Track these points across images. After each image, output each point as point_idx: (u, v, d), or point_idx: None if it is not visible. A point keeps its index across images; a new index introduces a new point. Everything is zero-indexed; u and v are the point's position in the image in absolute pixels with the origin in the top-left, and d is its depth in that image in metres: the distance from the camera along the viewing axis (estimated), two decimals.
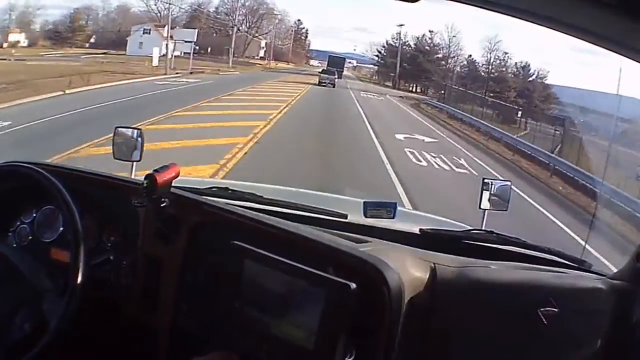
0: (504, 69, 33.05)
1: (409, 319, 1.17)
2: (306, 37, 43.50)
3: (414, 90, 37.76)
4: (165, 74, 21.66)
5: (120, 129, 1.95)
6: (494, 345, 1.25)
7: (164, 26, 29.84)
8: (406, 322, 1.16)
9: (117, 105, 13.25)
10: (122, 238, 1.42)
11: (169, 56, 23.81)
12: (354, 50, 43.85)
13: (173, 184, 1.31)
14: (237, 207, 1.40)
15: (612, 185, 10.09)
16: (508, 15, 0.96)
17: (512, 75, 32.41)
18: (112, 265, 1.41)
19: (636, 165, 11.16)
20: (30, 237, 1.45)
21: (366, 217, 1.63)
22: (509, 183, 2.00)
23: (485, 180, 1.91)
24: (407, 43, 38.72)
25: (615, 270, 1.46)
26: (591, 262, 1.56)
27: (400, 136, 14.63)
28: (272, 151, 9.70)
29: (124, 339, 1.42)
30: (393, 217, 1.63)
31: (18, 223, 1.47)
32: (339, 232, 1.42)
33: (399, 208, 1.66)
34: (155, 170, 1.25)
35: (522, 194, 9.39)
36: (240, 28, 36.60)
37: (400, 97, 30.97)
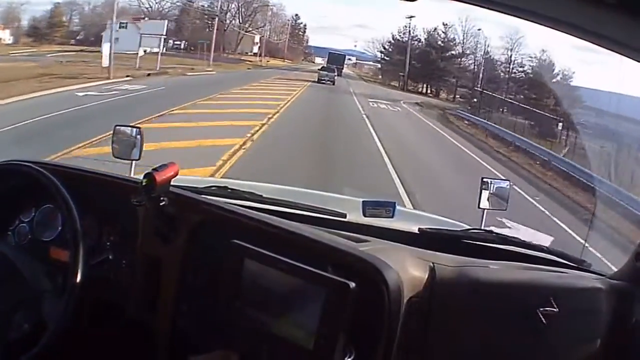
0: (536, 71, 28.02)
1: (408, 318, 1.17)
2: (304, 32, 40.59)
3: (424, 91, 33.55)
4: (108, 79, 17.30)
5: (119, 127, 1.95)
6: (493, 344, 1.25)
7: (143, 18, 27.80)
8: (405, 322, 1.16)
9: None
10: (122, 237, 1.42)
11: (129, 55, 20.59)
12: (355, 46, 40.91)
13: (172, 183, 1.31)
14: (236, 206, 1.40)
15: (613, 184, 10.05)
16: (508, 15, 0.96)
17: (553, 80, 27.03)
18: (112, 264, 1.41)
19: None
20: (29, 236, 1.45)
21: (365, 216, 1.63)
22: (508, 182, 2.00)
23: (484, 180, 1.91)
24: (416, 37, 33.85)
25: (614, 269, 1.46)
26: (591, 261, 1.56)
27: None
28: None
29: (123, 338, 1.42)
30: (392, 217, 1.63)
31: (17, 222, 1.47)
32: (338, 231, 1.42)
33: (398, 207, 1.66)
34: (154, 169, 1.25)
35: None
36: (232, 22, 34.62)
37: (417, 104, 26.42)
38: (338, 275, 1.05)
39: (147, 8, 30.52)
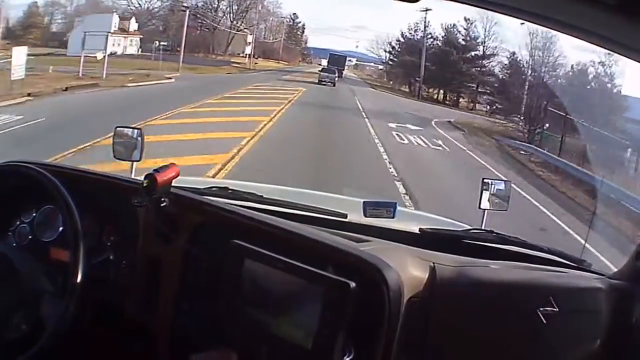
0: (572, 76, 21.89)
1: (408, 318, 1.17)
2: (302, 32, 37.06)
3: (440, 98, 28.22)
4: None
5: (120, 128, 1.95)
6: (494, 344, 1.26)
7: (129, 19, 25.40)
8: (405, 321, 1.16)
9: None
10: (122, 238, 1.42)
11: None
12: (356, 47, 37.48)
13: (173, 184, 1.31)
14: (237, 207, 1.40)
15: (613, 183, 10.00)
16: (509, 15, 0.96)
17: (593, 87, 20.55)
18: (112, 265, 1.41)
19: None
20: (30, 237, 1.45)
21: (366, 216, 1.63)
22: (509, 182, 2.00)
23: (485, 180, 1.91)
24: (431, 35, 28.39)
25: (614, 269, 1.46)
26: (591, 261, 1.56)
27: None
28: None
29: (124, 338, 1.42)
30: (393, 217, 1.63)
31: (18, 222, 1.47)
32: (338, 231, 1.42)
33: (398, 208, 1.66)
34: (155, 170, 1.25)
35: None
36: (223, 20, 30.88)
37: (452, 124, 19.83)
38: (338, 275, 1.05)
39: (135, 7, 28.26)
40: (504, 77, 26.70)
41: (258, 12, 32.61)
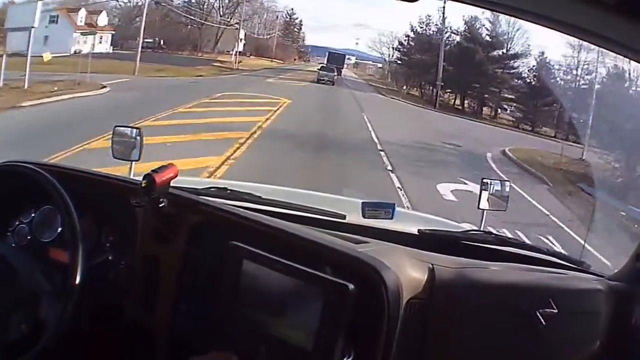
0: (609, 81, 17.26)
1: (407, 319, 1.17)
2: (300, 29, 34.33)
3: (458, 105, 23.59)
4: None
5: (119, 128, 1.95)
6: (493, 345, 1.25)
7: (99, 12, 22.63)
8: (404, 323, 1.16)
9: None
10: (121, 238, 1.42)
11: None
12: (356, 44, 35.71)
13: (171, 184, 1.31)
14: (235, 208, 1.40)
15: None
16: (509, 15, 0.96)
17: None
18: (111, 265, 1.40)
19: None
20: (28, 237, 1.45)
21: (364, 217, 1.63)
22: (508, 183, 2.00)
23: (484, 181, 1.90)
24: (450, 29, 23.79)
25: (614, 271, 1.46)
26: (590, 262, 1.56)
27: None
28: None
29: (122, 339, 1.42)
30: (391, 218, 1.63)
31: (17, 223, 1.47)
32: (337, 232, 1.42)
33: (397, 209, 1.66)
34: (154, 171, 1.25)
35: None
36: (211, 14, 27.78)
37: (510, 159, 13.51)
38: (337, 276, 1.05)
39: (124, 3, 25.75)
40: (534, 81, 22.10)
41: (254, 9, 29.85)
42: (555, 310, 1.25)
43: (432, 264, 1.27)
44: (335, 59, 29.67)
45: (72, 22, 21.27)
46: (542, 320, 1.24)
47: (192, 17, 26.99)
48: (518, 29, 22.51)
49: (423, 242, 1.50)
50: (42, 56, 14.92)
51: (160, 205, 1.30)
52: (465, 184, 9.00)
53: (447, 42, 23.69)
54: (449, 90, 24.08)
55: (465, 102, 24.10)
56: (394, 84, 28.32)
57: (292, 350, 1.04)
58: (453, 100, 24.13)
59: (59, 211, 1.39)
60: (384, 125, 14.77)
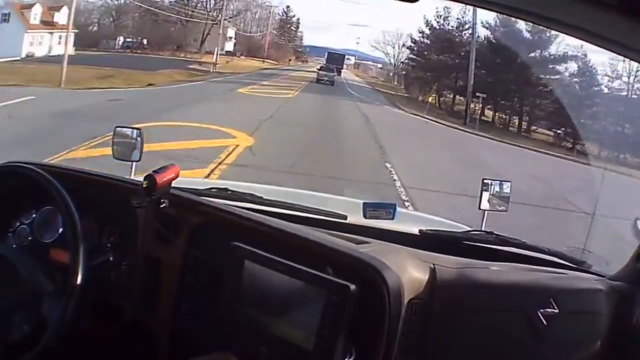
0: None
1: (408, 319, 1.17)
2: (297, 28, 31.20)
3: (486, 117, 17.75)
4: None
5: (119, 128, 1.95)
6: (494, 345, 1.25)
7: (59, 8, 18.22)
8: (406, 323, 1.16)
9: None
10: (122, 239, 1.42)
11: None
12: (357, 43, 33.28)
13: (172, 185, 1.31)
14: (236, 208, 1.40)
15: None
16: (509, 15, 0.96)
17: None
18: (112, 266, 1.40)
19: None
20: (29, 238, 1.45)
21: (366, 218, 1.63)
22: (509, 183, 1.99)
23: (485, 181, 1.90)
24: (483, 22, 18.33)
25: (615, 271, 1.46)
26: (591, 262, 1.56)
27: None
28: None
29: (123, 339, 1.42)
30: (392, 218, 1.63)
31: (18, 223, 1.47)
32: (338, 233, 1.42)
33: (398, 209, 1.66)
34: (155, 171, 1.25)
35: None
36: (197, 9, 24.23)
37: None
38: (338, 277, 1.05)
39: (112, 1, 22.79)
40: (580, 90, 16.67)
41: (246, 4, 26.12)
42: (556, 310, 1.25)
43: (433, 264, 1.27)
44: (335, 59, 29.11)
45: (24, 20, 17.05)
46: (543, 320, 1.24)
47: (168, 13, 23.83)
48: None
49: (424, 242, 1.50)
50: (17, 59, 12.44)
51: (161, 206, 1.30)
52: None
53: (470, 39, 18.62)
54: (474, 100, 18.40)
55: (497, 114, 18.15)
56: (400, 85, 24.82)
57: (293, 350, 1.04)
58: (479, 112, 18.13)
59: (59, 212, 1.39)
60: (439, 200, 7.52)
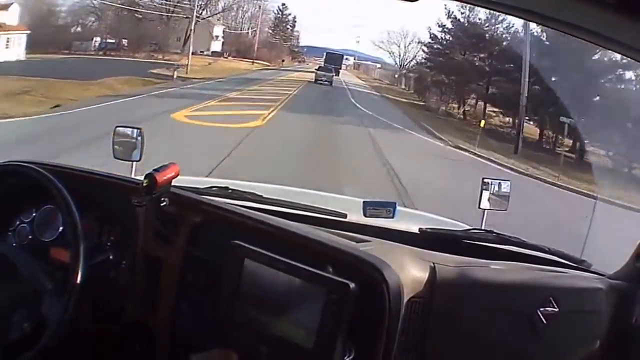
0: None
1: (408, 318, 1.17)
2: (293, 27, 29.23)
3: (529, 134, 13.84)
4: None
5: (120, 128, 1.95)
6: (494, 344, 1.26)
7: (8, 5, 15.40)
8: (405, 322, 1.16)
9: None
10: (122, 238, 1.42)
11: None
12: (357, 42, 33.10)
13: (173, 184, 1.31)
14: (237, 207, 1.40)
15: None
16: (509, 14, 0.96)
17: None
18: (112, 264, 1.41)
19: None
20: (30, 237, 1.45)
21: (366, 216, 1.63)
22: (508, 182, 1.99)
23: (485, 180, 1.90)
24: (502, 20, 14.86)
25: (615, 270, 1.46)
26: (591, 261, 1.56)
27: None
28: None
29: (123, 338, 1.42)
30: (392, 217, 1.63)
31: (18, 222, 1.47)
32: (338, 231, 1.42)
33: (398, 208, 1.66)
34: (155, 170, 1.25)
35: None
36: (180, 6, 21.74)
37: None
38: (338, 275, 1.05)
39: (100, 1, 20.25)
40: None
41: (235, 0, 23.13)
42: (556, 309, 1.26)
43: (433, 263, 1.27)
44: (333, 59, 28.29)
45: None
46: (543, 319, 1.25)
47: (145, 10, 21.13)
48: None
49: (424, 240, 1.50)
50: None
51: (162, 205, 1.30)
52: None
53: (509, 32, 14.04)
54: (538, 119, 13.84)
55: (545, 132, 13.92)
56: (408, 90, 21.15)
57: (293, 348, 1.05)
58: (524, 125, 14.02)
59: (60, 210, 1.39)
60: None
